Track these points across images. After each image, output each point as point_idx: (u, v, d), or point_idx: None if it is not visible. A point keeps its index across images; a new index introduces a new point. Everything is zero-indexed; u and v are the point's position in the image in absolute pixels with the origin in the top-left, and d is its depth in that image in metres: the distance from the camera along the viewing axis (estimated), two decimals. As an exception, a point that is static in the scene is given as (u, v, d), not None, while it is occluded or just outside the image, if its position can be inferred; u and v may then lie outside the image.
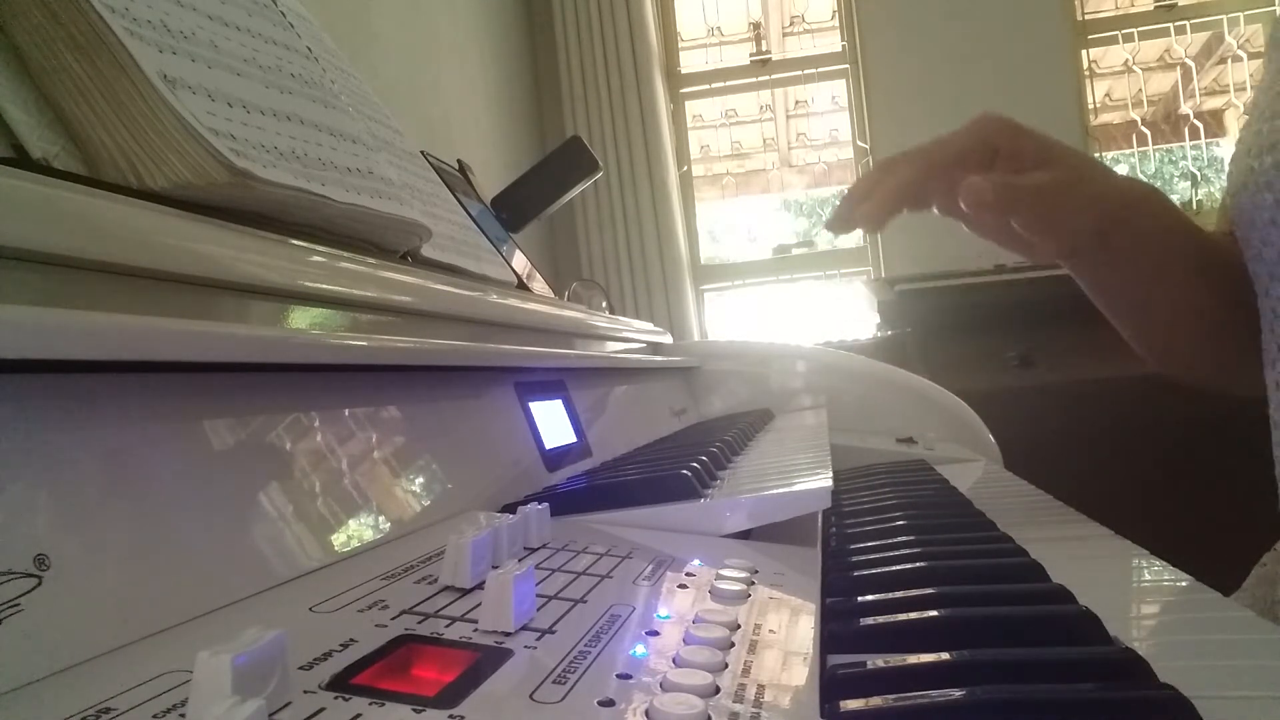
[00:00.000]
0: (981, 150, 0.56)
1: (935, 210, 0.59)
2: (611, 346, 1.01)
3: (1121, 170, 3.04)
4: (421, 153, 0.85)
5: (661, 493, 0.48)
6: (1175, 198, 2.93)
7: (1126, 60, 2.76)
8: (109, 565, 0.25)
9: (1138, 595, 0.45)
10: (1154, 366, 0.66)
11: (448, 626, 0.27)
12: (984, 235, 0.59)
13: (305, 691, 0.22)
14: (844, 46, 2.82)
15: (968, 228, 0.60)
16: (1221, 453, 1.44)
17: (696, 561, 0.40)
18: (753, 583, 0.36)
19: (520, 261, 1.03)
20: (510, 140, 2.53)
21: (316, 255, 0.43)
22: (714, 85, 2.96)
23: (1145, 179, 3.02)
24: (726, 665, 0.27)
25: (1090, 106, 2.68)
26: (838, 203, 0.58)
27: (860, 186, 0.57)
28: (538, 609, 0.30)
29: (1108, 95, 2.95)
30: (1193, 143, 2.82)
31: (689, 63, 2.97)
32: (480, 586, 0.30)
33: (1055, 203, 0.54)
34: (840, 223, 0.58)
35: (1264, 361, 0.54)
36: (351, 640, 0.25)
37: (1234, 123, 2.95)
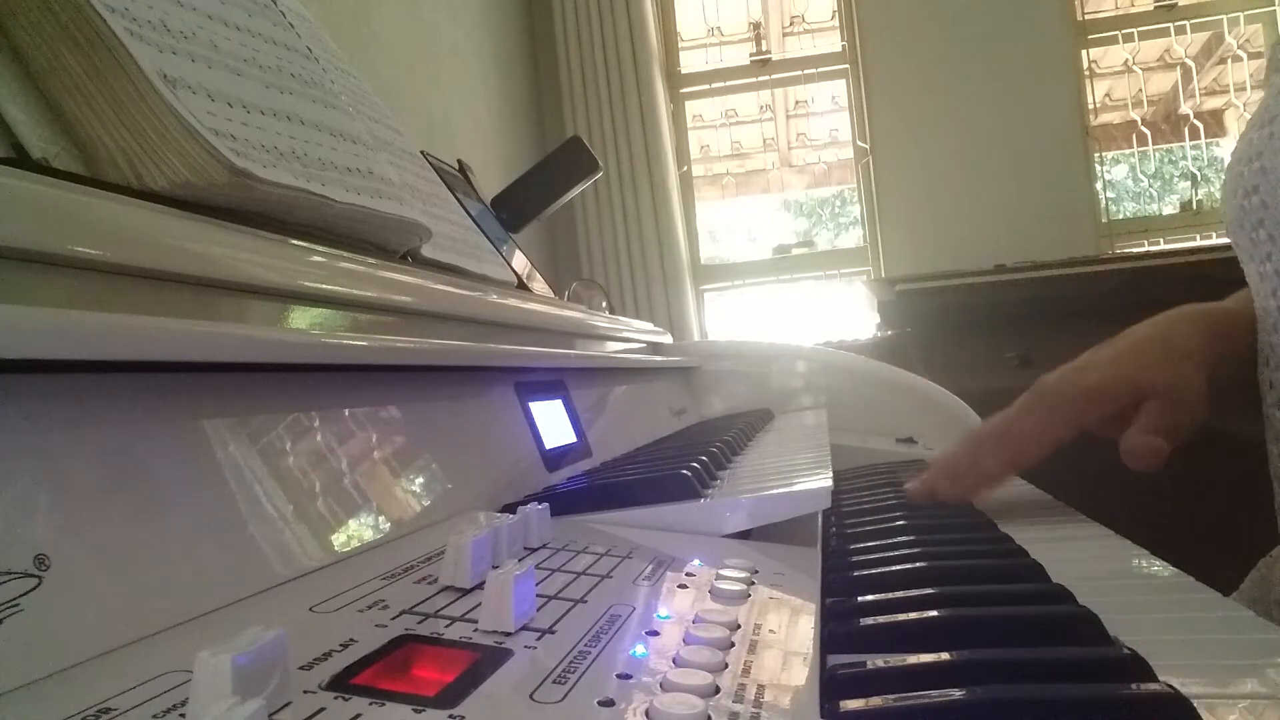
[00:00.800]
0: (1066, 437, 0.57)
1: None
2: (611, 346, 1.01)
3: (1121, 171, 3.04)
4: (421, 153, 0.85)
5: (661, 493, 0.48)
6: (1175, 198, 2.94)
7: (1126, 60, 2.77)
8: (109, 565, 0.25)
9: (1138, 595, 0.45)
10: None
11: (448, 626, 0.27)
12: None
13: (305, 691, 0.22)
14: (844, 46, 2.82)
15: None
16: (1221, 453, 1.44)
17: (696, 561, 0.40)
18: (753, 583, 0.36)
19: (520, 261, 1.03)
20: (510, 140, 2.53)
21: (316, 255, 0.43)
22: (714, 85, 2.96)
23: (1145, 179, 3.04)
24: (726, 665, 0.27)
25: (1090, 106, 2.68)
26: (925, 475, 0.60)
27: (949, 469, 0.60)
28: (538, 609, 0.30)
29: (1108, 95, 2.95)
30: (1192, 143, 2.82)
31: (689, 63, 2.98)
32: (480, 586, 0.30)
33: (1179, 423, 0.55)
34: (926, 496, 0.60)
35: (1259, 360, 0.55)
36: (351, 640, 0.25)
37: (1234, 123, 2.95)
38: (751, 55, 2.96)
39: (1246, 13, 2.65)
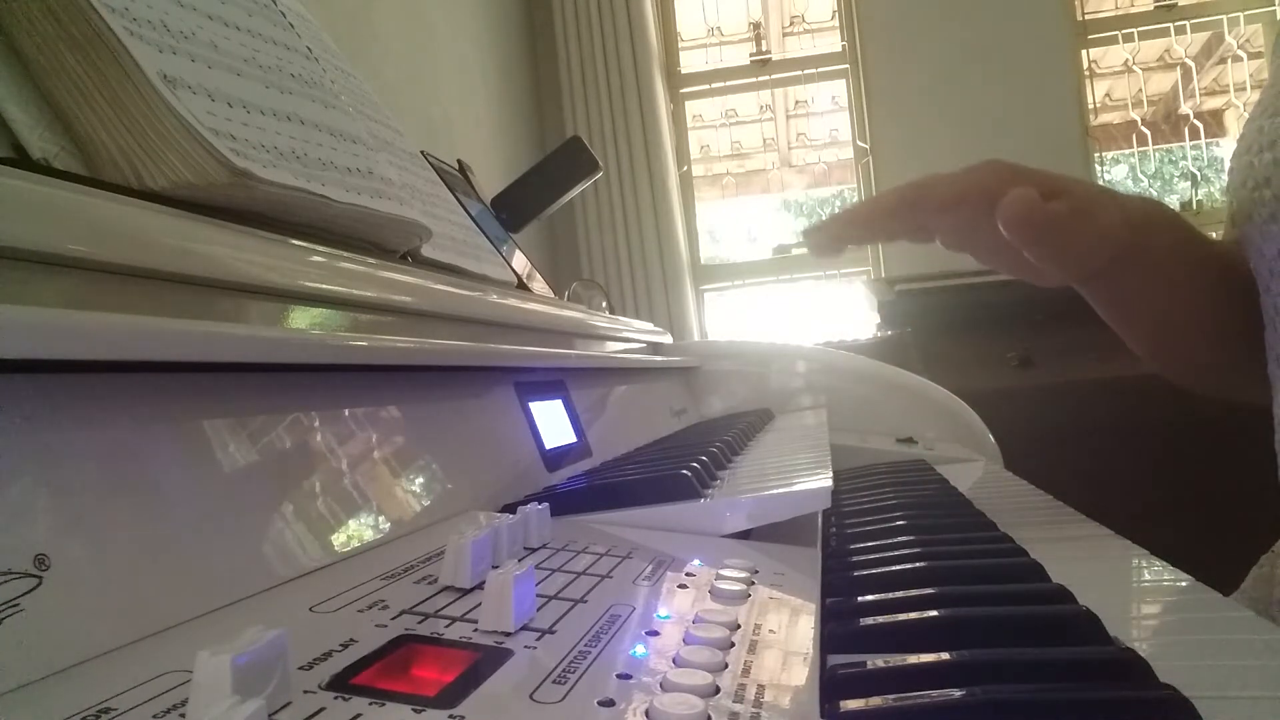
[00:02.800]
0: (979, 195, 0.54)
1: (939, 243, 0.58)
2: (611, 346, 1.01)
3: (1121, 171, 3.04)
4: (421, 153, 0.85)
5: (662, 493, 0.48)
6: (1175, 198, 2.94)
7: (1126, 60, 2.76)
8: (109, 565, 0.25)
9: (1138, 595, 0.45)
10: (1168, 377, 0.65)
11: (448, 626, 0.27)
12: (990, 263, 0.58)
13: (305, 691, 0.22)
14: (844, 46, 2.82)
15: (974, 257, 0.58)
16: (1221, 453, 1.44)
17: (696, 561, 0.40)
18: (753, 583, 0.36)
19: (520, 261, 1.03)
20: (510, 140, 2.53)
21: (316, 255, 0.43)
22: (714, 85, 2.96)
23: (1145, 180, 3.04)
24: (726, 665, 0.27)
25: (1090, 106, 2.68)
26: (826, 218, 0.57)
27: (856, 209, 0.57)
28: (538, 609, 0.30)
29: (1108, 95, 2.95)
30: (1192, 143, 2.82)
31: (689, 63, 2.97)
32: (480, 586, 0.30)
33: (1071, 231, 0.53)
34: (820, 235, 0.57)
35: (1268, 358, 0.54)
36: (351, 640, 0.25)
37: (1234, 123, 2.95)
38: (751, 55, 2.95)
39: (1246, 13, 2.65)
